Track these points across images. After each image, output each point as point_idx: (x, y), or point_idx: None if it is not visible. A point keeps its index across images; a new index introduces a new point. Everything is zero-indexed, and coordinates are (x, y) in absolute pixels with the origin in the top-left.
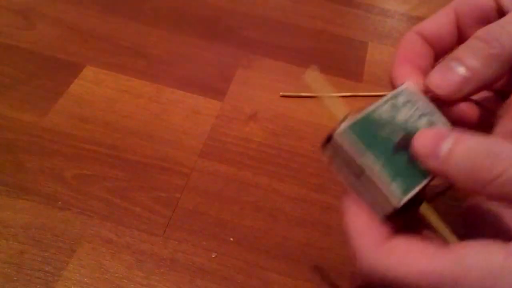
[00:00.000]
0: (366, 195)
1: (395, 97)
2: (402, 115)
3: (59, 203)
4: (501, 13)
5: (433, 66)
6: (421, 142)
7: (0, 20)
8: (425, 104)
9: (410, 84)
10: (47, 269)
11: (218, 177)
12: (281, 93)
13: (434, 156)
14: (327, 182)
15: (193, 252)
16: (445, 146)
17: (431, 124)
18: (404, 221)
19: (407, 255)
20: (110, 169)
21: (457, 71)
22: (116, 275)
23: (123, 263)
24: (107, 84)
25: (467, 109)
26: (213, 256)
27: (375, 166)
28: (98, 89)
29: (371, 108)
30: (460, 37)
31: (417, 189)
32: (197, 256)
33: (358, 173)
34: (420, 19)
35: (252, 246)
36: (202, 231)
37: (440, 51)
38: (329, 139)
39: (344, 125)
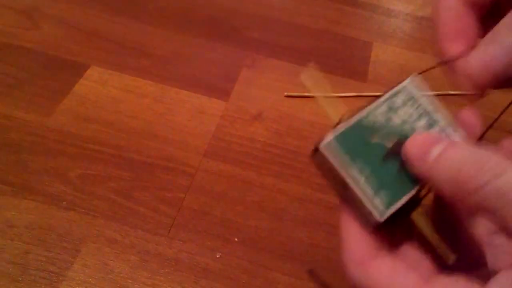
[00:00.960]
0: (353, 206)
1: (394, 95)
2: (400, 116)
3: (64, 203)
4: None
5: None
6: (411, 146)
7: (4, 20)
8: (427, 102)
9: (414, 79)
10: (51, 269)
11: (222, 177)
12: (285, 93)
13: (422, 160)
14: None
15: (198, 252)
16: (435, 151)
17: (430, 125)
18: (403, 225)
19: (386, 281)
20: (114, 169)
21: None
22: (121, 275)
23: (127, 263)
24: (111, 84)
25: None
26: (217, 256)
27: (359, 179)
28: (102, 89)
29: (365, 111)
30: None
31: (404, 199)
32: (201, 256)
33: (343, 185)
34: (424, 19)
35: (257, 246)
36: (206, 231)
37: (480, 10)
38: (314, 151)
39: (329, 137)
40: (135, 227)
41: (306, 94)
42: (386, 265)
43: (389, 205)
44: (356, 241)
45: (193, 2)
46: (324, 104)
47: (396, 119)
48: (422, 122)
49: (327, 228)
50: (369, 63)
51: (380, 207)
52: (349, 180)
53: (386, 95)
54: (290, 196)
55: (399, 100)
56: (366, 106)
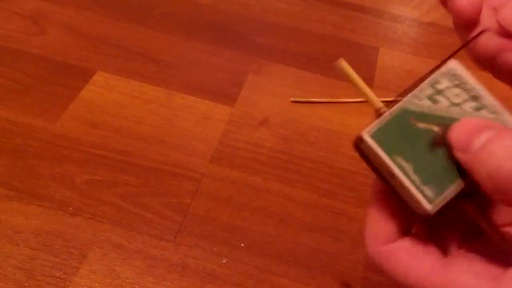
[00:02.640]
0: (402, 194)
1: (436, 80)
2: (447, 98)
3: (70, 208)
4: None
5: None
6: (456, 133)
7: (11, 26)
8: (472, 86)
9: (455, 63)
10: (58, 274)
11: (228, 182)
12: (292, 99)
13: (465, 149)
14: (338, 188)
15: (204, 258)
16: (481, 139)
17: (480, 107)
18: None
19: (403, 264)
20: (121, 174)
21: None
22: (127, 280)
23: (134, 269)
24: (118, 89)
25: None
26: (224, 262)
27: (405, 170)
28: (108, 94)
29: (408, 98)
30: None
31: (455, 191)
32: (208, 261)
33: (390, 176)
34: (431, 24)
35: (263, 252)
36: (212, 236)
37: None
38: (359, 140)
39: (374, 127)
40: (141, 233)
41: (312, 100)
42: (403, 248)
43: (439, 196)
44: (378, 225)
45: (199, 7)
46: (366, 90)
47: (444, 102)
48: (472, 103)
49: (333, 233)
50: (375, 68)
51: (430, 199)
52: (396, 170)
53: (431, 78)
54: (296, 201)
55: (445, 81)
56: (408, 94)
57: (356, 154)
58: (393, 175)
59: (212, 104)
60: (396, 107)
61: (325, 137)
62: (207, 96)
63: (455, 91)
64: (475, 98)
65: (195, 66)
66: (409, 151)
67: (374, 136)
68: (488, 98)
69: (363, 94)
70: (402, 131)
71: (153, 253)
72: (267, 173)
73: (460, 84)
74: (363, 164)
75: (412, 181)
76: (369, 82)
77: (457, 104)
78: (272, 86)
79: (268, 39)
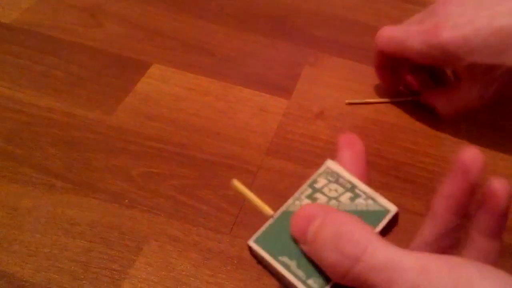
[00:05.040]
0: None
1: (315, 181)
2: (323, 198)
3: (126, 201)
4: None
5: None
6: (294, 224)
7: (67, 18)
8: (347, 179)
9: (330, 162)
10: (114, 267)
11: (284, 175)
12: (346, 101)
13: (303, 240)
14: (394, 181)
15: None
16: (312, 228)
17: (353, 199)
18: None
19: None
20: (176, 167)
21: None
22: (183, 273)
23: (190, 261)
24: (173, 82)
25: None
26: None
27: (291, 269)
28: (164, 87)
29: (290, 200)
30: None
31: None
32: None
33: (278, 275)
34: None
35: None
36: None
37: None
38: (248, 247)
39: (258, 233)
40: (197, 225)
41: (367, 100)
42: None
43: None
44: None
45: (255, 0)
46: (257, 202)
47: (322, 198)
48: (348, 194)
49: None
50: None
51: None
52: (281, 270)
53: (310, 179)
54: None
55: (322, 179)
56: (290, 198)
57: (412, 147)
58: (280, 274)
59: (268, 96)
60: (278, 211)
61: (381, 130)
62: (263, 88)
63: (332, 187)
64: (350, 189)
65: (251, 58)
66: (293, 249)
67: (258, 241)
68: (362, 187)
69: (255, 205)
70: (284, 232)
71: (209, 246)
72: None
73: (337, 180)
74: (420, 157)
75: (298, 277)
76: None
77: (335, 198)
78: (328, 79)
79: (324, 32)
